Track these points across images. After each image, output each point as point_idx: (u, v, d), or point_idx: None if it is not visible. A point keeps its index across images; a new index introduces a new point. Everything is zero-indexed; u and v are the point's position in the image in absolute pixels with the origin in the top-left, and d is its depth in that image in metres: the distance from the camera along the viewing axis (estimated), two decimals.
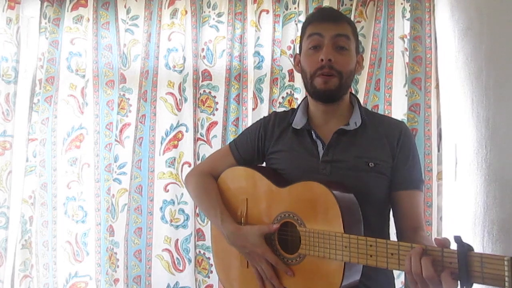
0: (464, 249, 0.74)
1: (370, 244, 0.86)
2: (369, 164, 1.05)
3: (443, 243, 0.78)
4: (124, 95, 2.01)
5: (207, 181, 1.21)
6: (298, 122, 1.14)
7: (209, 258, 1.93)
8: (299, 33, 1.92)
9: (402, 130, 1.10)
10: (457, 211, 1.51)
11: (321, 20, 1.10)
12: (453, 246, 0.78)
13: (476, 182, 1.26)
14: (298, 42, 1.89)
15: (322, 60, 1.05)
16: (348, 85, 1.11)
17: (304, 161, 1.09)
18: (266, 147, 1.19)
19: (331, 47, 1.06)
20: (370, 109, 1.62)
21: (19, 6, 2.07)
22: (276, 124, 1.19)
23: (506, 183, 1.05)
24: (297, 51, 1.19)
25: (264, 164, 1.22)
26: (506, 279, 0.68)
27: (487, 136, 1.17)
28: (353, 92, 1.83)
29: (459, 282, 0.75)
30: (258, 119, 1.86)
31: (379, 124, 1.11)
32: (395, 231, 1.11)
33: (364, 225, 0.96)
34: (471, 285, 0.74)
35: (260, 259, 1.03)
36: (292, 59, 1.91)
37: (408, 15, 1.85)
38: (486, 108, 1.19)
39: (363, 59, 1.20)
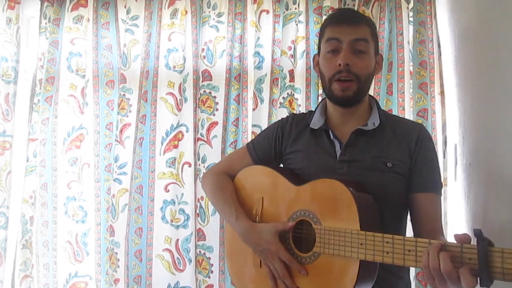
0: (484, 243, 0.71)
1: (386, 241, 0.85)
2: (387, 164, 1.04)
3: (463, 239, 0.77)
4: (124, 95, 2.01)
5: (223, 180, 1.22)
6: (316, 122, 1.14)
7: (209, 258, 1.94)
8: (299, 33, 1.93)
9: (421, 132, 1.09)
10: (457, 211, 1.52)
11: (339, 23, 1.08)
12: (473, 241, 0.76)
13: (476, 182, 1.26)
14: (302, 43, 1.91)
15: (339, 64, 1.04)
16: (367, 88, 1.10)
17: (321, 160, 1.09)
18: (283, 147, 1.19)
19: (349, 51, 1.05)
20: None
21: (19, 6, 2.06)
22: (293, 125, 1.19)
23: (506, 183, 1.05)
24: (316, 52, 1.18)
25: (281, 165, 1.22)
26: None
27: (487, 136, 1.18)
28: None
29: (478, 279, 0.72)
30: (258, 119, 1.91)
31: (397, 126, 1.11)
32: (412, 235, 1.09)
33: (381, 226, 0.95)
34: (491, 281, 0.71)
35: (273, 257, 1.02)
36: (291, 59, 1.92)
37: (411, 19, 1.85)
38: (486, 108, 1.19)
39: (382, 59, 1.19)
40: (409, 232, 1.12)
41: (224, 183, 1.21)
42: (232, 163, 1.26)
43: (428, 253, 0.78)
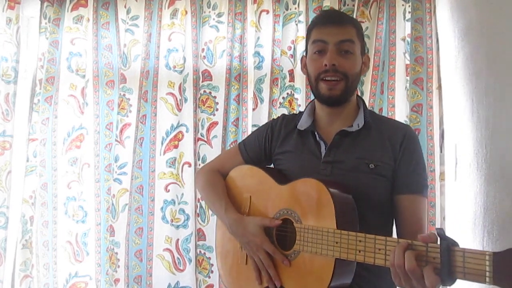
0: (447, 243, 0.73)
1: (359, 240, 0.87)
2: (370, 165, 1.05)
3: (428, 239, 0.78)
4: (124, 95, 2.01)
5: (215, 177, 1.25)
6: (303, 123, 1.15)
7: (209, 258, 1.94)
8: (299, 33, 1.93)
9: (406, 134, 1.09)
10: (457, 211, 1.52)
11: (325, 24, 1.09)
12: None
13: (476, 182, 1.26)
14: (302, 43, 1.91)
15: (325, 65, 1.05)
16: (354, 88, 1.11)
17: (306, 161, 1.10)
18: (272, 148, 1.21)
19: (335, 52, 1.06)
20: (376, 112, 1.62)
21: (19, 6, 2.07)
22: (283, 126, 1.21)
23: (506, 183, 1.05)
24: (304, 54, 1.19)
25: (272, 165, 1.24)
26: (487, 274, 0.68)
27: (487, 136, 1.18)
28: (359, 93, 1.83)
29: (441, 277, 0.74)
30: (258, 119, 1.91)
31: (383, 127, 1.11)
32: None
33: (364, 227, 0.95)
34: (453, 280, 0.73)
35: (258, 249, 1.04)
36: (291, 59, 1.92)
37: (408, 16, 1.85)
38: (486, 108, 1.19)
39: (369, 59, 1.20)
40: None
41: (215, 179, 1.24)
42: (224, 162, 1.29)
43: (394, 251, 0.80)
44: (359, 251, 0.86)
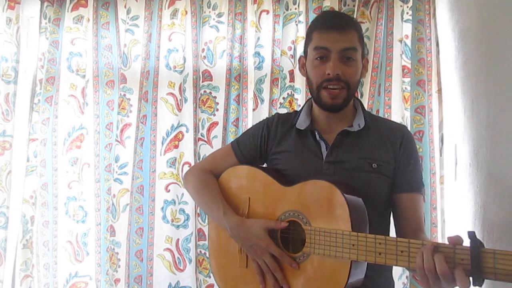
0: (477, 245, 0.74)
1: (379, 242, 0.86)
2: (373, 165, 1.05)
3: (456, 241, 0.79)
4: (124, 95, 2.01)
5: (208, 178, 1.19)
6: (302, 123, 1.14)
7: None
8: (299, 34, 1.93)
9: (404, 134, 1.11)
10: (457, 211, 1.52)
11: (327, 29, 1.06)
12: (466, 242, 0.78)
13: (476, 182, 1.26)
14: (302, 43, 1.91)
15: (329, 74, 1.04)
16: (354, 93, 1.11)
17: (307, 161, 1.09)
18: (269, 147, 1.18)
19: (338, 60, 1.04)
20: (374, 113, 1.62)
21: (19, 6, 2.06)
22: (279, 125, 1.18)
23: (506, 183, 1.05)
24: (302, 53, 1.17)
25: (265, 165, 1.22)
26: None
27: (487, 136, 1.18)
28: (358, 95, 1.83)
29: (471, 278, 0.75)
30: (258, 119, 1.91)
31: (381, 127, 1.12)
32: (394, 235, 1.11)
33: None
34: (483, 281, 0.75)
35: (263, 252, 1.01)
36: (291, 59, 1.92)
37: (406, 17, 1.85)
38: (486, 108, 1.20)
39: (368, 62, 1.19)
40: (391, 231, 1.13)
41: (209, 180, 1.19)
42: (216, 161, 1.23)
43: (422, 254, 0.80)
44: (379, 253, 0.86)
